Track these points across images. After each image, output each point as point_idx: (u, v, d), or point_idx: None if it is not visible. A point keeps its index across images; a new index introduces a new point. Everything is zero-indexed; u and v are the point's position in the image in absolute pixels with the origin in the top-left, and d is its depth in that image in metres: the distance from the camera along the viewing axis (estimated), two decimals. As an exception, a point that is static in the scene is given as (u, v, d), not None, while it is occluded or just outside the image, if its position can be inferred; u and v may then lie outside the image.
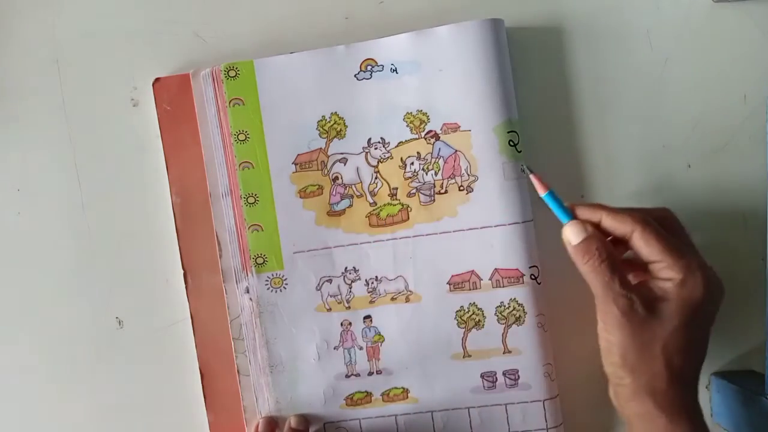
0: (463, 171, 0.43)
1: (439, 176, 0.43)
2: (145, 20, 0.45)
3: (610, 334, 0.37)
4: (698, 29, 0.45)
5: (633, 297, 0.36)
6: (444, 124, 0.43)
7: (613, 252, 0.37)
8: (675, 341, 0.36)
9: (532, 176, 0.40)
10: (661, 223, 0.38)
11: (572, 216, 0.39)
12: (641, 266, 0.39)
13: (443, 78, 0.42)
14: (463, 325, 0.43)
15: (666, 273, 0.36)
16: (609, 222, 0.38)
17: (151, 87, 0.44)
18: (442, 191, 0.43)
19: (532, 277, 0.43)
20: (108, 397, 0.46)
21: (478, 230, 0.43)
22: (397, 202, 0.43)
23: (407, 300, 0.44)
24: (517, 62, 0.44)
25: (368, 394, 0.44)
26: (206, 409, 0.45)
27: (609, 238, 0.38)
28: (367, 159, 0.43)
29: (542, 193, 0.39)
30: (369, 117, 0.43)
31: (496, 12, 0.43)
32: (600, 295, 0.37)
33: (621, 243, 0.38)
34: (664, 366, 0.36)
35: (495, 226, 0.42)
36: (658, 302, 0.36)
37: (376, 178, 0.43)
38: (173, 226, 0.45)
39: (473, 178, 0.43)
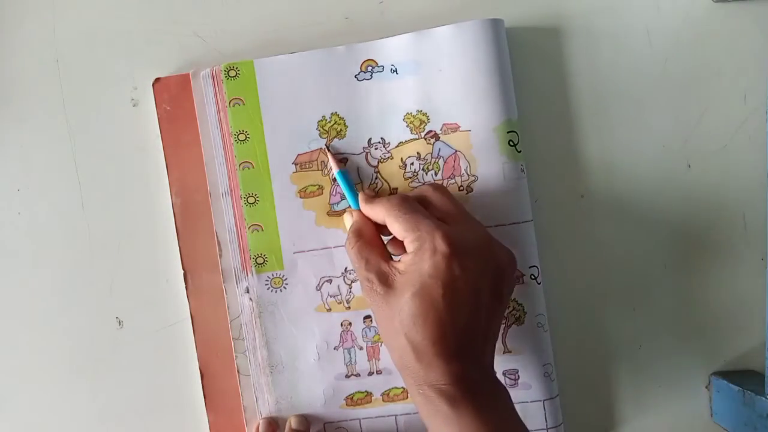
0: (463, 171, 0.43)
1: (439, 176, 0.43)
2: (145, 20, 0.45)
3: (380, 320, 0.37)
4: (698, 29, 0.45)
5: (371, 277, 0.37)
6: (444, 124, 0.43)
7: (369, 237, 0.39)
8: (406, 313, 0.35)
9: (328, 153, 0.43)
10: (420, 201, 0.38)
11: (353, 202, 0.41)
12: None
13: (443, 78, 0.42)
14: (463, 325, 0.43)
15: (408, 248, 0.36)
16: (370, 213, 0.40)
17: (151, 87, 0.44)
18: (442, 191, 0.43)
19: (532, 277, 0.43)
20: (108, 397, 0.46)
21: (478, 230, 0.43)
22: (397, 202, 0.43)
23: (407, 300, 0.44)
24: (517, 62, 0.44)
25: (368, 394, 0.44)
26: (206, 409, 0.45)
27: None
28: (367, 159, 0.43)
29: (335, 170, 0.42)
30: (369, 117, 0.43)
31: (496, 12, 0.43)
32: (360, 280, 0.38)
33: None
34: (405, 341, 0.35)
35: (495, 226, 0.42)
36: (397, 277, 0.36)
37: (376, 178, 0.43)
38: (173, 226, 0.45)
39: (473, 178, 0.43)
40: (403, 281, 0.36)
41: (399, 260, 0.37)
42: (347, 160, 0.43)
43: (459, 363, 0.35)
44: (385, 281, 0.36)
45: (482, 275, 0.36)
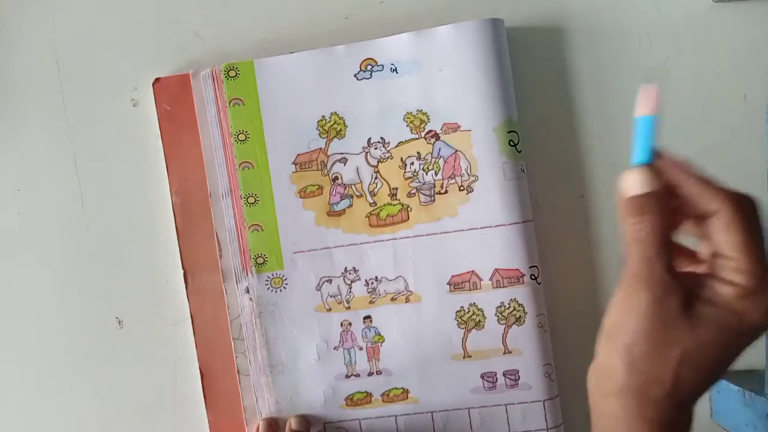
0: (464, 171, 0.43)
1: (439, 176, 0.43)
2: (145, 20, 0.45)
3: (626, 317, 0.30)
4: (698, 29, 0.44)
5: (675, 287, 0.29)
6: (444, 124, 0.43)
7: (669, 225, 0.30)
8: (699, 355, 0.29)
9: (651, 88, 0.31)
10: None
11: (650, 159, 0.30)
12: (694, 253, 0.32)
13: (443, 78, 0.42)
14: (463, 326, 0.43)
15: (731, 275, 0.29)
16: (694, 189, 0.30)
17: (151, 87, 0.44)
18: (442, 191, 0.43)
19: (532, 277, 0.43)
20: (108, 397, 0.46)
21: (479, 230, 0.43)
22: (397, 202, 0.43)
23: (407, 300, 0.44)
24: (517, 62, 0.44)
25: (368, 394, 0.44)
26: (206, 409, 0.45)
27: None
28: (367, 159, 0.43)
29: (648, 112, 0.31)
30: (369, 117, 0.43)
31: (496, 12, 0.43)
32: (634, 270, 0.30)
33: (680, 216, 0.31)
34: (672, 375, 0.30)
35: (495, 226, 0.42)
36: (702, 304, 0.29)
37: (376, 178, 0.43)
38: (173, 226, 0.44)
39: (473, 178, 0.43)
40: (714, 319, 0.29)
41: (702, 281, 0.30)
42: (346, 159, 0.43)
43: (690, 412, 0.31)
44: (688, 302, 0.29)
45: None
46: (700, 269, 0.31)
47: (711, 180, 0.30)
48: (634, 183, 0.30)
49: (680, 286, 0.29)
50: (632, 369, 0.30)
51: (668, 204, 0.30)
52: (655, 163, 0.30)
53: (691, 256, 0.32)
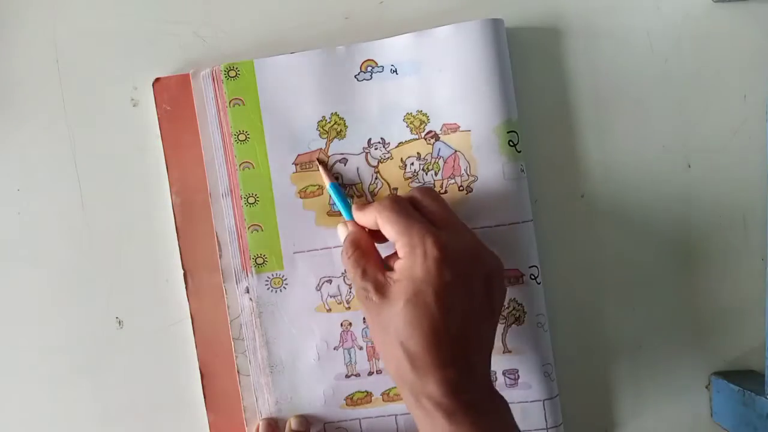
0: (463, 171, 0.43)
1: (439, 176, 0.43)
2: (145, 20, 0.45)
3: (374, 328, 0.36)
4: (698, 29, 0.45)
5: (368, 286, 0.36)
6: (444, 124, 0.43)
7: (365, 247, 0.38)
8: (400, 321, 0.34)
9: (320, 167, 0.43)
10: (412, 203, 0.37)
11: (347, 213, 0.41)
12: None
13: (443, 78, 0.42)
14: (463, 325, 0.43)
15: (399, 252, 0.36)
16: (362, 219, 0.39)
17: (151, 87, 0.44)
18: (442, 191, 0.43)
19: (532, 277, 0.43)
20: (108, 397, 0.46)
21: (478, 230, 0.43)
22: (397, 202, 0.43)
23: (407, 300, 0.44)
24: (517, 62, 0.44)
25: (368, 394, 0.44)
26: (206, 409, 0.45)
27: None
28: (367, 159, 0.43)
29: (327, 183, 0.42)
30: (369, 117, 0.43)
31: (496, 12, 0.43)
32: (357, 290, 0.37)
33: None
34: (401, 351, 0.34)
35: (495, 226, 0.42)
36: (391, 285, 0.35)
37: (376, 178, 0.43)
38: (173, 226, 0.44)
39: (473, 179, 0.43)
40: (397, 289, 0.35)
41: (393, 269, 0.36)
42: (346, 160, 0.43)
43: (455, 372, 0.34)
44: (381, 290, 0.36)
45: (474, 281, 0.35)
46: None
47: (366, 205, 0.39)
48: (339, 234, 0.41)
49: (376, 282, 0.36)
50: (385, 362, 0.36)
51: (361, 235, 0.39)
52: (352, 213, 0.40)
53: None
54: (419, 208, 0.37)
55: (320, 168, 0.43)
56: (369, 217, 0.38)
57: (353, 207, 0.40)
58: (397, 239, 0.36)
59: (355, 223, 0.40)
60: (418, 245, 0.34)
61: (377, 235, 0.39)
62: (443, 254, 0.34)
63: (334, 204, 0.43)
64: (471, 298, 0.35)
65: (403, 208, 0.37)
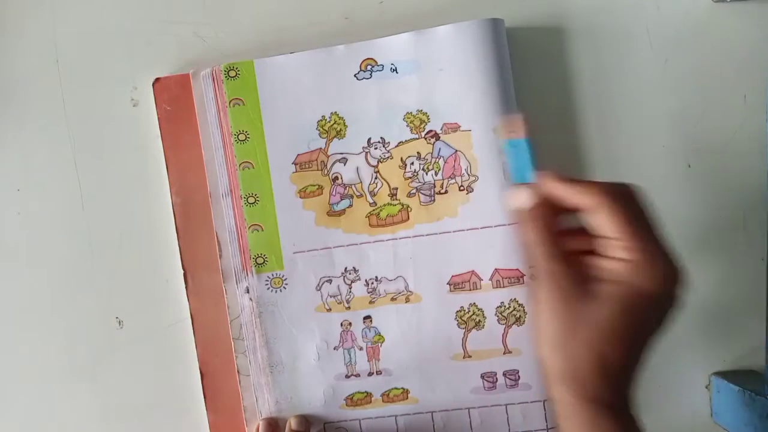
0: (464, 171, 0.43)
1: (440, 176, 0.43)
2: (145, 20, 0.45)
3: (543, 311, 0.34)
4: (698, 29, 0.44)
5: (561, 271, 0.33)
6: (444, 123, 0.43)
7: (551, 222, 0.35)
8: (609, 327, 0.32)
9: (513, 120, 0.37)
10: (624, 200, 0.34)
11: (529, 177, 0.36)
12: (585, 240, 0.35)
13: (443, 78, 0.42)
14: (463, 326, 0.43)
15: (620, 253, 0.32)
16: (569, 192, 0.34)
17: (151, 87, 0.44)
18: (443, 191, 0.43)
19: (533, 277, 0.43)
20: (108, 397, 0.46)
21: (479, 230, 0.43)
22: (397, 202, 0.43)
23: (407, 300, 0.44)
24: (517, 62, 0.44)
25: (368, 394, 0.44)
26: (206, 409, 0.45)
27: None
28: (367, 159, 0.43)
29: (520, 136, 0.36)
30: (369, 117, 0.43)
31: (496, 12, 0.43)
32: (538, 270, 0.34)
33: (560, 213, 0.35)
34: (593, 353, 0.32)
35: (495, 226, 0.42)
36: (601, 283, 0.33)
37: (376, 178, 0.43)
38: (173, 226, 0.44)
39: (473, 178, 0.43)
40: (614, 293, 0.32)
41: (594, 262, 0.33)
42: (346, 159, 0.43)
43: (633, 386, 0.34)
44: (579, 280, 0.33)
45: (670, 300, 0.33)
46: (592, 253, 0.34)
47: (585, 180, 0.34)
48: (522, 198, 0.35)
49: (578, 271, 0.33)
50: (560, 356, 0.33)
51: (551, 210, 0.35)
52: (535, 179, 0.35)
53: (587, 243, 0.35)
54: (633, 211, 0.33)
55: (512, 122, 0.37)
56: (586, 195, 0.33)
57: (552, 176, 0.35)
58: (625, 240, 0.32)
59: (540, 190, 0.35)
60: (659, 262, 0.32)
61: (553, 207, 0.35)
62: (681, 284, 0.33)
63: (334, 204, 0.43)
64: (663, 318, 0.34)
65: (639, 206, 0.33)
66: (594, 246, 0.34)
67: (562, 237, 0.35)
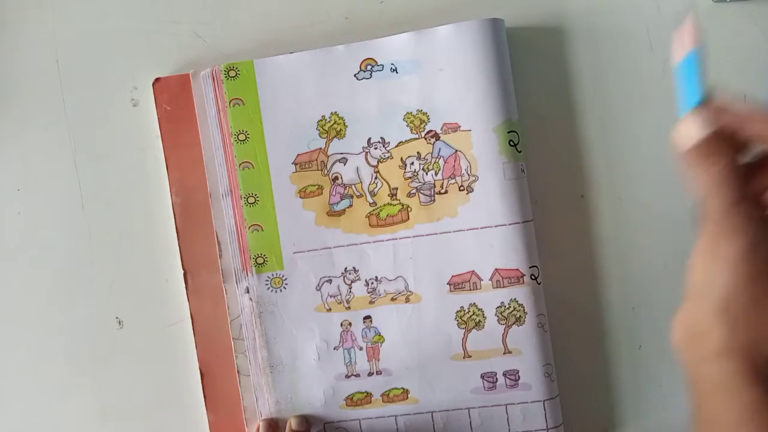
0: (464, 171, 0.43)
1: (440, 176, 0.43)
2: (145, 20, 0.45)
3: (717, 271, 0.27)
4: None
5: (750, 211, 0.27)
6: (444, 123, 0.43)
7: (738, 160, 0.28)
8: None
9: (689, 19, 0.29)
10: None
11: (704, 99, 0.28)
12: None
13: (443, 78, 0.42)
14: (463, 326, 0.43)
15: None
16: (760, 126, 0.28)
17: (151, 87, 0.44)
18: (443, 191, 0.43)
19: (533, 277, 0.43)
20: (108, 397, 0.46)
21: (479, 230, 0.43)
22: (397, 202, 0.43)
23: (407, 300, 0.44)
24: (517, 62, 0.44)
25: (368, 394, 0.44)
26: (206, 409, 0.45)
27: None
28: (367, 159, 0.43)
29: (689, 48, 0.29)
30: (369, 117, 0.43)
31: (496, 12, 0.43)
32: (719, 218, 0.27)
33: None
34: None
35: (495, 226, 0.42)
36: None
37: (376, 178, 0.43)
38: (173, 226, 0.44)
39: (473, 178, 0.43)
40: None
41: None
42: (346, 159, 0.43)
43: None
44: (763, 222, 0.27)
45: None
46: None
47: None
48: (695, 127, 0.28)
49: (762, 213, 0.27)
50: (733, 327, 0.27)
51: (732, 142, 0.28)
52: (711, 101, 0.28)
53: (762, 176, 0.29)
54: None
55: (688, 25, 0.30)
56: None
57: (724, 101, 0.29)
58: None
59: (715, 122, 0.28)
60: None
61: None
62: None
63: (334, 204, 0.43)
64: None
65: None
66: None
67: (746, 178, 0.28)
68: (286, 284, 0.44)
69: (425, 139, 0.43)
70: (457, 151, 0.43)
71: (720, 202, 0.27)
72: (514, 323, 0.43)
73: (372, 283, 0.44)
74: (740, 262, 0.27)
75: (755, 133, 0.27)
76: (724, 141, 0.28)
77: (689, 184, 0.29)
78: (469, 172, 0.43)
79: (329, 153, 0.43)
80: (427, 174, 0.43)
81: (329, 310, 0.44)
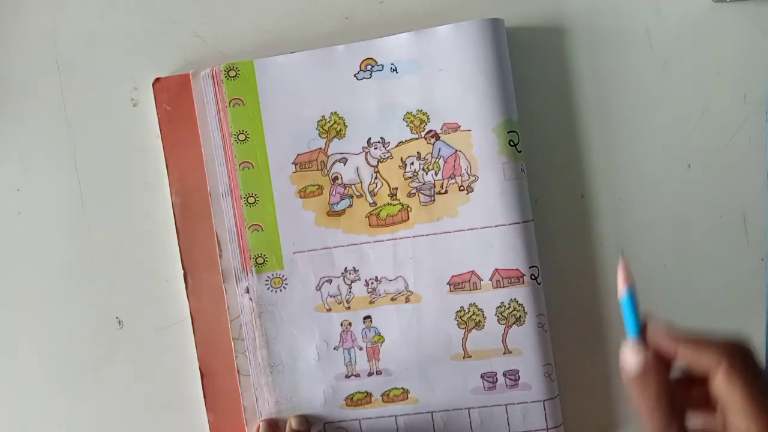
0: (464, 171, 0.43)
1: (440, 176, 0.43)
2: (145, 20, 0.45)
3: None
4: (698, 29, 0.44)
5: None
6: (444, 123, 0.43)
7: (673, 389, 0.31)
8: None
9: (621, 265, 0.34)
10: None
11: (639, 331, 0.33)
12: (703, 399, 0.32)
13: (443, 78, 0.42)
14: (463, 326, 0.43)
15: (738, 420, 0.29)
16: (686, 353, 0.31)
17: (151, 87, 0.44)
18: (443, 191, 0.43)
19: (533, 277, 0.43)
20: (108, 397, 0.46)
21: (479, 230, 0.43)
22: (397, 202, 0.43)
23: (407, 300, 0.44)
24: (517, 62, 0.44)
25: (368, 394, 0.44)
26: (206, 409, 0.45)
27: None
28: (367, 159, 0.43)
29: (622, 293, 0.33)
30: (369, 117, 0.43)
31: (496, 12, 0.43)
32: None
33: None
34: None
35: (495, 226, 0.42)
36: None
37: (376, 178, 0.43)
38: (173, 226, 0.45)
39: (473, 178, 0.43)
40: None
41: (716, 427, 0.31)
42: (346, 159, 0.43)
43: None
44: None
45: None
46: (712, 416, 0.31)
47: (701, 338, 0.31)
48: (631, 357, 0.32)
49: None
50: None
51: (665, 370, 0.31)
52: (646, 335, 0.32)
53: (704, 402, 0.32)
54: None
55: (621, 272, 0.34)
56: (706, 360, 0.30)
57: (657, 327, 0.32)
58: (744, 409, 0.29)
59: (654, 348, 0.32)
60: None
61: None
62: None
63: (334, 204, 0.43)
64: None
65: (761, 369, 0.30)
66: (705, 402, 0.31)
67: (675, 395, 0.31)
68: (286, 284, 0.44)
69: (425, 139, 0.43)
70: (457, 151, 0.43)
71: (647, 427, 0.31)
72: (514, 323, 0.43)
73: (372, 283, 0.44)
74: None
75: (681, 357, 0.31)
76: (654, 372, 0.31)
77: (634, 406, 0.32)
78: (469, 172, 0.43)
79: (329, 153, 0.43)
80: (427, 174, 0.43)
81: (329, 310, 0.44)
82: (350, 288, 0.44)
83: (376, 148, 0.43)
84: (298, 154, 0.43)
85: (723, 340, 0.31)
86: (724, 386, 0.29)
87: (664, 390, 0.31)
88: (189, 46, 0.45)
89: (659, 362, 0.31)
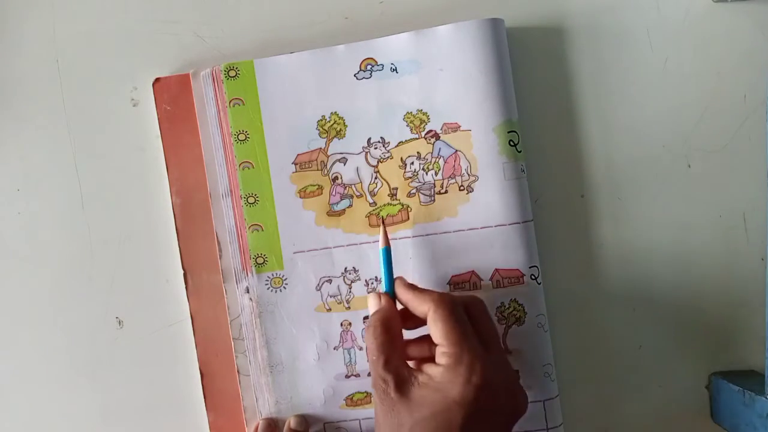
0: (464, 171, 0.43)
1: (440, 176, 0.43)
2: (145, 20, 0.45)
3: (375, 413, 0.36)
4: (698, 29, 0.45)
5: (388, 378, 0.35)
6: (444, 123, 0.43)
7: (394, 331, 0.37)
8: (419, 429, 0.34)
9: (382, 225, 0.41)
10: (466, 310, 0.37)
11: (390, 286, 0.39)
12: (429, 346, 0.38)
13: (443, 77, 0.42)
14: (463, 325, 0.43)
15: (440, 359, 0.35)
16: (411, 300, 0.38)
17: (151, 87, 0.44)
18: (442, 191, 0.43)
19: (532, 277, 0.43)
20: (108, 397, 0.46)
21: (479, 230, 0.43)
22: (397, 202, 0.43)
23: (407, 300, 0.44)
24: (517, 62, 0.44)
25: (368, 394, 0.44)
26: (206, 409, 0.45)
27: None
28: (367, 159, 0.43)
29: (381, 245, 0.40)
30: (369, 116, 0.43)
31: (496, 12, 0.43)
32: (373, 375, 0.36)
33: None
34: None
35: (495, 226, 0.42)
36: (417, 387, 0.35)
37: (376, 178, 0.43)
38: (173, 226, 0.45)
39: (473, 178, 0.43)
40: (423, 395, 0.34)
41: (421, 368, 0.36)
42: (346, 159, 0.43)
43: None
44: (402, 387, 0.35)
45: (500, 416, 0.36)
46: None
47: (419, 289, 0.38)
48: (369, 306, 0.39)
49: (399, 377, 0.35)
50: None
51: (393, 316, 0.38)
52: (391, 287, 0.39)
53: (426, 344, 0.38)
54: (471, 320, 0.37)
55: (381, 227, 0.41)
56: (420, 304, 0.37)
57: (400, 284, 0.39)
58: (445, 346, 0.35)
59: (389, 299, 0.39)
60: (465, 364, 0.34)
61: (408, 318, 0.39)
62: (486, 383, 0.34)
63: (334, 204, 0.43)
64: (491, 430, 0.35)
65: (461, 315, 0.36)
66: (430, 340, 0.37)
67: (405, 345, 0.38)
68: (286, 284, 0.44)
69: (425, 139, 0.43)
70: (457, 151, 0.43)
71: (373, 364, 0.36)
72: (513, 323, 0.43)
73: (372, 283, 0.44)
74: (377, 405, 0.36)
75: (410, 306, 0.38)
76: (378, 317, 0.38)
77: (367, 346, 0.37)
78: (469, 172, 0.43)
79: (329, 153, 0.43)
80: (427, 174, 0.43)
81: (329, 310, 0.44)
82: (350, 288, 0.44)
83: (376, 148, 0.43)
84: (298, 154, 0.43)
85: (434, 292, 0.37)
86: (432, 324, 0.36)
87: (384, 330, 0.37)
88: (189, 46, 0.45)
89: (390, 308, 0.38)
